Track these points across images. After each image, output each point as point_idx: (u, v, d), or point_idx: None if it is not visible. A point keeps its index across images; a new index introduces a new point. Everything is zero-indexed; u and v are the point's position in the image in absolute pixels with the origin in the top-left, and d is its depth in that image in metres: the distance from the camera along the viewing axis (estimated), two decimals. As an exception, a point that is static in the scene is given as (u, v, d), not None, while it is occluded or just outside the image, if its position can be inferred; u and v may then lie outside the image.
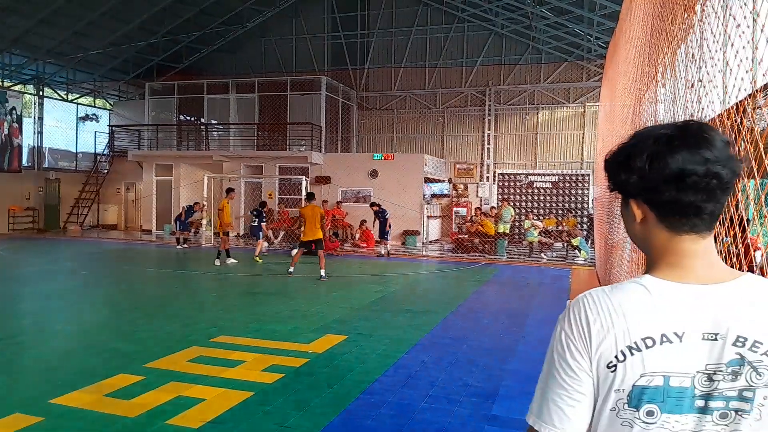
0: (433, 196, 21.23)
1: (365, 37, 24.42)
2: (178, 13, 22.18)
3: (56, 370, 5.57)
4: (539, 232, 16.73)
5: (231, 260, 14.04)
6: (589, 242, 17.77)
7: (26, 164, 22.75)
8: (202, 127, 23.47)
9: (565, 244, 17.08)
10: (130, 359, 5.86)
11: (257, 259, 14.53)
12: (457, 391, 5.12)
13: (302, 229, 12.00)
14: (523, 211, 19.27)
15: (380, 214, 16.38)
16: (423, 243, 18.79)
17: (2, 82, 22.27)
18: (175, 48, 24.69)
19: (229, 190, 14.47)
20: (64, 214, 23.98)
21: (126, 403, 4.62)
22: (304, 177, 18.32)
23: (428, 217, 19.79)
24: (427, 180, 20.06)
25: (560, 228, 17.80)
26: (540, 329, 7.77)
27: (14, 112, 21.56)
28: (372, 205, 16.86)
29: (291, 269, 12.00)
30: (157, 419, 4.32)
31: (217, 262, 13.72)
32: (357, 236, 18.61)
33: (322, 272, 11.39)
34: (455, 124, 23.79)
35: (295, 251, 13.50)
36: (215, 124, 23.28)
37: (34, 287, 10.47)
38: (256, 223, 15.67)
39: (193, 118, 24.34)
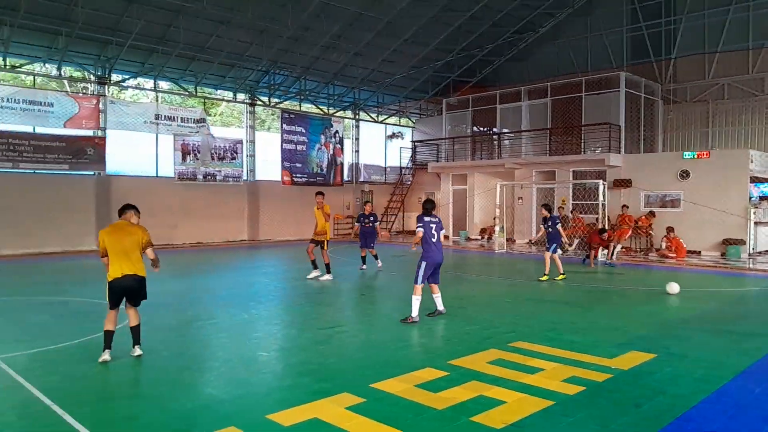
0: (763, 198, 18.04)
1: (671, 24, 21.98)
2: (471, 30, 23.22)
3: (374, 357, 6.28)
4: None
5: (318, 274, 11.97)
6: None
7: (346, 179, 26.62)
8: (494, 136, 24.11)
9: None
10: (435, 355, 6.30)
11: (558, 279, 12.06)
12: (808, 433, 4.17)
13: None
14: None
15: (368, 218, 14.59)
16: (749, 254, 16.02)
17: (328, 109, 26.35)
18: (469, 63, 25.91)
19: (318, 194, 12.18)
20: (376, 222, 27.20)
21: (433, 395, 4.94)
22: (601, 181, 17.32)
23: (756, 223, 16.81)
24: (755, 180, 17.21)
25: None
26: None
27: (337, 134, 25.54)
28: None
29: None
30: (462, 415, 4.51)
31: (313, 274, 12.05)
32: (663, 245, 16.80)
33: None
34: (791, 111, 19.74)
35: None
36: (506, 133, 23.68)
37: (357, 283, 12.06)
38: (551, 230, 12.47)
39: (486, 129, 25.18)
